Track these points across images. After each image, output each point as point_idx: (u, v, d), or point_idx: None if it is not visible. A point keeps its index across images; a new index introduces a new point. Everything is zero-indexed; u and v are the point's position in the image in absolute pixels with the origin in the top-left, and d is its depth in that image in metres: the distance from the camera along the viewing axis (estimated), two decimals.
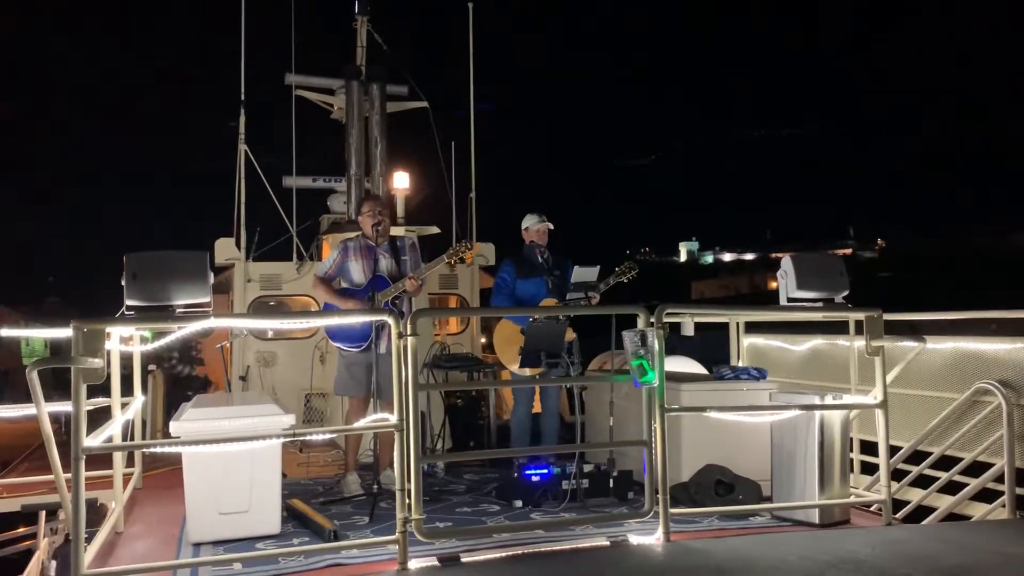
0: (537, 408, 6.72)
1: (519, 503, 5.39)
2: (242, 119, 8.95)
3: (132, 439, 5.89)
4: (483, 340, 9.73)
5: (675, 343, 7.37)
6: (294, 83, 9.41)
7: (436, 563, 3.94)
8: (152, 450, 7.19)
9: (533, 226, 6.58)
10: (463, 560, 4.00)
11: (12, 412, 6.27)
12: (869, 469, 5.80)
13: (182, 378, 9.83)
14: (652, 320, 4.25)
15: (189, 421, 4.66)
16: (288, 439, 4.50)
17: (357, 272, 6.08)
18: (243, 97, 9.00)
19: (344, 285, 6.15)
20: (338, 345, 6.05)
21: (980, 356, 5.27)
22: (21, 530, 8.63)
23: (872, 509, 5.28)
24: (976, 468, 5.12)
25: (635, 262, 6.35)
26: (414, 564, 3.86)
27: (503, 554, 4.14)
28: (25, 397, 3.74)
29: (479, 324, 9.43)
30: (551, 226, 6.58)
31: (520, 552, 4.20)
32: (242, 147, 8.86)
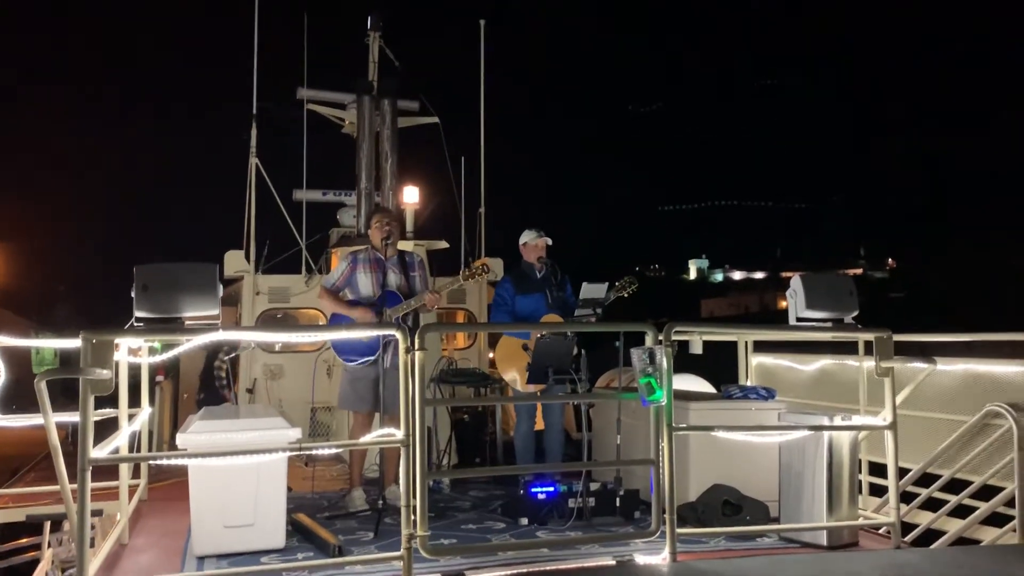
0: (541, 425, 6.69)
1: (525, 520, 5.36)
2: (253, 132, 9.00)
3: (139, 450, 5.90)
4: (491, 355, 9.71)
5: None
6: (306, 97, 9.48)
7: None
8: (158, 462, 7.23)
9: (531, 241, 6.57)
10: None
11: (19, 421, 6.29)
12: (878, 491, 5.75)
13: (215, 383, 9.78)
14: (661, 338, 4.23)
15: (196, 433, 4.66)
16: (294, 453, 4.49)
17: (365, 285, 6.09)
18: (255, 111, 9.06)
19: (351, 297, 6.15)
20: (343, 359, 6.04)
21: (991, 378, 5.23)
22: (25, 540, 8.63)
23: (881, 532, 5.24)
24: (986, 492, 5.07)
25: (635, 277, 6.34)
26: None
27: (508, 572, 4.12)
28: (33, 405, 3.74)
29: (486, 339, 9.42)
30: (549, 241, 6.57)
31: (525, 570, 4.17)
32: (253, 160, 8.91)
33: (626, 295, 6.24)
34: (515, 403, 7.18)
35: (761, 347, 7.44)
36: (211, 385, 9.55)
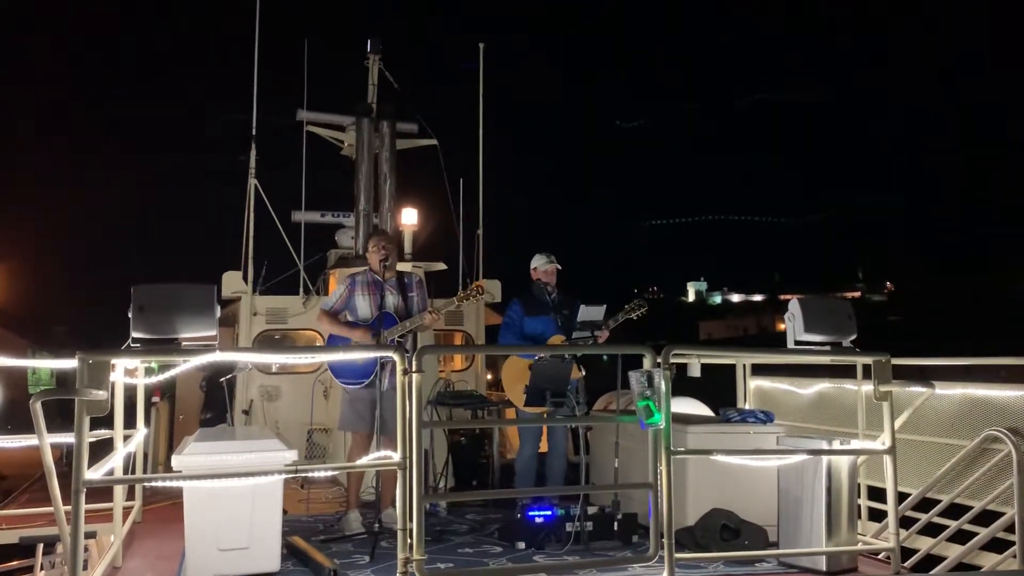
0: (544, 448, 6.65)
1: (522, 545, 5.32)
2: (253, 154, 9.03)
3: (133, 472, 5.86)
4: (488, 377, 9.68)
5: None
6: (306, 119, 9.53)
7: None
8: (153, 484, 7.18)
9: (541, 266, 6.56)
10: None
11: (14, 442, 6.25)
12: (877, 516, 5.71)
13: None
14: (659, 360, 4.22)
15: (191, 455, 4.63)
16: (290, 475, 4.46)
17: (364, 307, 6.07)
18: (254, 132, 9.09)
19: (349, 319, 6.14)
20: (341, 381, 6.02)
21: (989, 403, 5.22)
22: (17, 563, 8.55)
23: (880, 557, 5.20)
24: (986, 516, 5.04)
25: (644, 300, 6.33)
26: None
27: None
28: (28, 426, 3.72)
29: (484, 361, 9.40)
30: (559, 266, 6.58)
31: None
32: (252, 181, 8.93)
33: (635, 317, 6.23)
34: (516, 425, 7.15)
35: (759, 370, 7.42)
36: (216, 406, 9.48)
